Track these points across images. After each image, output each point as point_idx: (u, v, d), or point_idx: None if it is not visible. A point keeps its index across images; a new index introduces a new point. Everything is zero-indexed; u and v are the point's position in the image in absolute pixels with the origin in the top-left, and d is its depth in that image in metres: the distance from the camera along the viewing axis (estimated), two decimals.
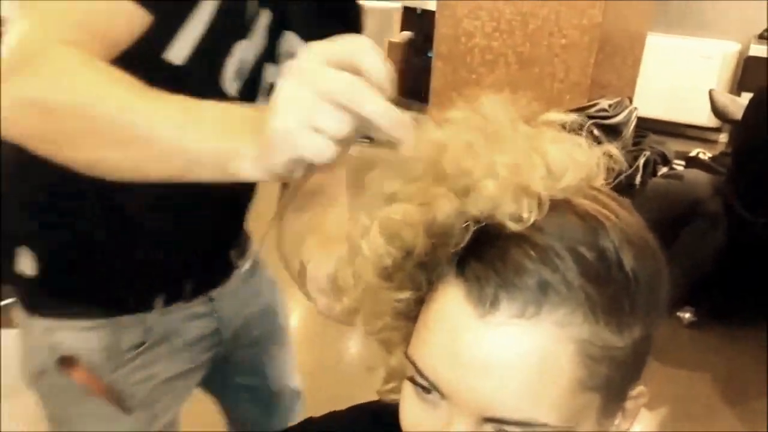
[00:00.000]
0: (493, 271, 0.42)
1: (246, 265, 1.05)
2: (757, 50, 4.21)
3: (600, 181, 0.49)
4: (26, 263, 0.85)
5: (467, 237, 0.44)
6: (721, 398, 2.34)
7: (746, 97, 2.69)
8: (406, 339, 0.49)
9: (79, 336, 0.87)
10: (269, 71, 0.83)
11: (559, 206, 0.44)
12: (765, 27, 4.29)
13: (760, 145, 2.32)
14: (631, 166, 2.75)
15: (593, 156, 0.48)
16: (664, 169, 2.80)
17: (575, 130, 0.51)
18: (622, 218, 0.45)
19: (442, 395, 0.45)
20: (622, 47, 3.29)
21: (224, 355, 1.05)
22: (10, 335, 2.57)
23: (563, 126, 0.50)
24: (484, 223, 0.44)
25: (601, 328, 0.42)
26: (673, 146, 3.22)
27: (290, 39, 0.84)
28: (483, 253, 0.43)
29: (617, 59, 3.28)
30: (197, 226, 0.82)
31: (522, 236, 0.42)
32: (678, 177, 2.69)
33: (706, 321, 2.64)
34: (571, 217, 0.44)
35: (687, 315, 2.65)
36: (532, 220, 0.43)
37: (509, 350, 0.42)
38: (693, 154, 2.88)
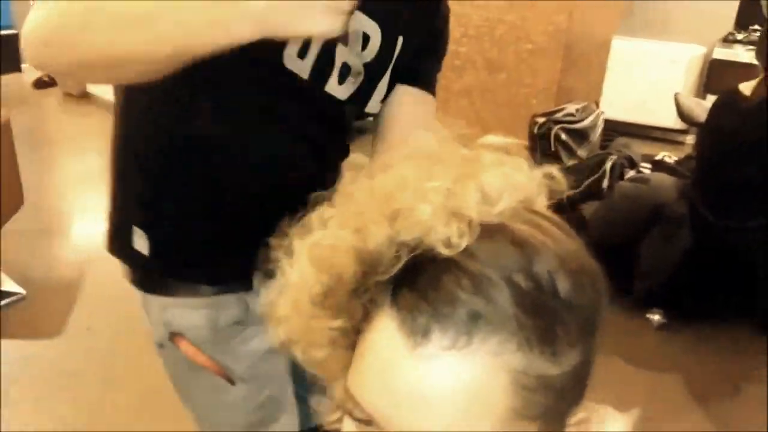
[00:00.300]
0: (425, 301, 0.41)
1: None
2: (722, 53, 4.27)
3: (541, 204, 0.49)
4: (141, 243, 0.93)
5: (399, 264, 0.43)
6: (691, 399, 2.36)
7: (711, 100, 2.73)
8: (347, 369, 0.48)
9: (185, 313, 0.95)
10: (340, 51, 0.87)
11: (495, 231, 0.43)
12: (729, 30, 4.37)
13: (722, 149, 2.35)
14: (598, 170, 2.77)
15: (533, 178, 0.48)
16: (631, 173, 2.82)
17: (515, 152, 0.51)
18: (559, 243, 0.45)
19: (379, 427, 0.44)
20: (587, 52, 3.32)
21: None
22: (9, 345, 2.51)
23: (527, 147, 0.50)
24: (418, 251, 0.43)
25: (536, 357, 0.41)
26: (640, 149, 3.25)
27: (360, 19, 0.86)
28: (416, 282, 0.42)
29: (583, 64, 3.31)
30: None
31: (455, 263, 0.42)
32: (644, 180, 2.72)
33: (675, 323, 2.66)
34: (506, 242, 0.43)
35: (656, 317, 2.67)
36: (463, 244, 0.42)
37: (442, 382, 0.41)
38: (659, 157, 2.91)
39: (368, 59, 0.89)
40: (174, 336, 0.96)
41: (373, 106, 0.94)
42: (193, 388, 1.02)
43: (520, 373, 0.41)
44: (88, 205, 3.53)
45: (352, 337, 0.47)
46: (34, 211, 3.39)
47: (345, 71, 0.88)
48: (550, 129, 2.84)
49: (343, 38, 0.86)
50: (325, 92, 0.88)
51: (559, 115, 2.89)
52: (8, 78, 6.26)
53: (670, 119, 4.13)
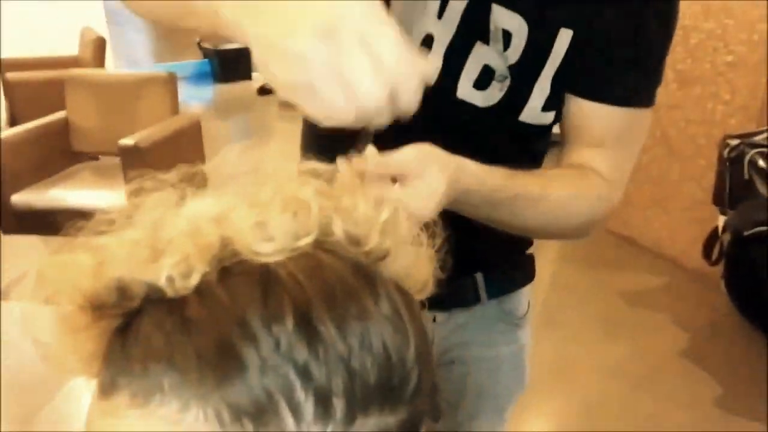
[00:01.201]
0: (121, 350, 0.36)
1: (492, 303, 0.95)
2: None
3: (377, 244, 0.39)
4: None
5: (132, 306, 0.36)
6: None
7: None
8: None
9: None
10: (480, 52, 0.77)
11: (255, 273, 0.36)
12: None
13: None
14: None
15: (367, 217, 0.39)
16: None
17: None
18: (328, 293, 0.35)
19: None
20: None
21: None
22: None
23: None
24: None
25: None
26: None
27: (499, 13, 0.76)
28: (130, 327, 0.36)
29: None
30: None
31: (178, 306, 0.35)
32: None
33: None
34: (252, 288, 0.35)
35: None
36: (189, 285, 0.35)
37: None
38: None
39: (513, 60, 0.77)
40: None
41: (530, 115, 0.80)
42: None
43: None
44: None
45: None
46: None
47: (487, 75, 0.77)
48: (744, 153, 2.42)
49: (485, 36, 0.75)
50: (458, 98, 0.79)
51: (758, 138, 2.45)
52: (240, 85, 7.06)
53: None
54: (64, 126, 3.19)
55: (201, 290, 0.35)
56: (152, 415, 0.33)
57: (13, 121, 3.75)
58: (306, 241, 0.37)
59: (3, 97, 3.87)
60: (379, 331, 0.35)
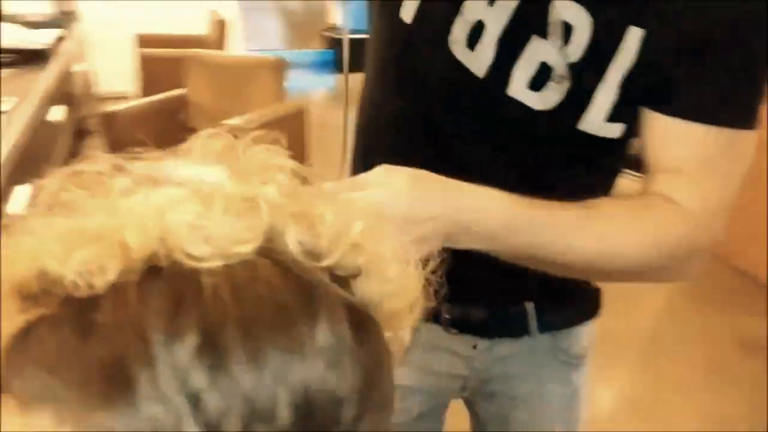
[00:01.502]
0: (22, 346, 0.32)
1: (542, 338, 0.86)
2: None
3: (330, 260, 0.34)
4: None
5: (55, 298, 0.33)
6: None
7: None
8: None
9: None
10: (537, 47, 0.69)
11: (177, 279, 0.31)
12: None
13: None
14: None
15: (339, 223, 0.35)
16: None
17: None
18: (251, 314, 0.31)
19: None
20: None
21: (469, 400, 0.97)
22: None
23: None
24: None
25: None
26: None
27: (561, 4, 0.68)
28: (38, 323, 0.33)
29: None
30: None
31: (91, 307, 0.31)
32: None
33: None
34: (164, 294, 0.31)
35: None
36: (104, 282, 0.31)
37: None
38: None
39: (573, 59, 0.68)
40: None
41: (592, 124, 0.70)
42: None
43: None
44: None
45: None
46: None
47: (544, 74, 0.69)
48: None
49: (543, 30, 0.68)
50: (509, 96, 0.71)
51: None
52: (361, 75, 7.14)
53: None
54: (183, 102, 3.32)
55: (118, 292, 0.31)
56: (30, 425, 0.31)
57: (146, 95, 3.98)
58: (245, 248, 0.32)
59: (140, 70, 4.10)
60: (304, 365, 0.31)
